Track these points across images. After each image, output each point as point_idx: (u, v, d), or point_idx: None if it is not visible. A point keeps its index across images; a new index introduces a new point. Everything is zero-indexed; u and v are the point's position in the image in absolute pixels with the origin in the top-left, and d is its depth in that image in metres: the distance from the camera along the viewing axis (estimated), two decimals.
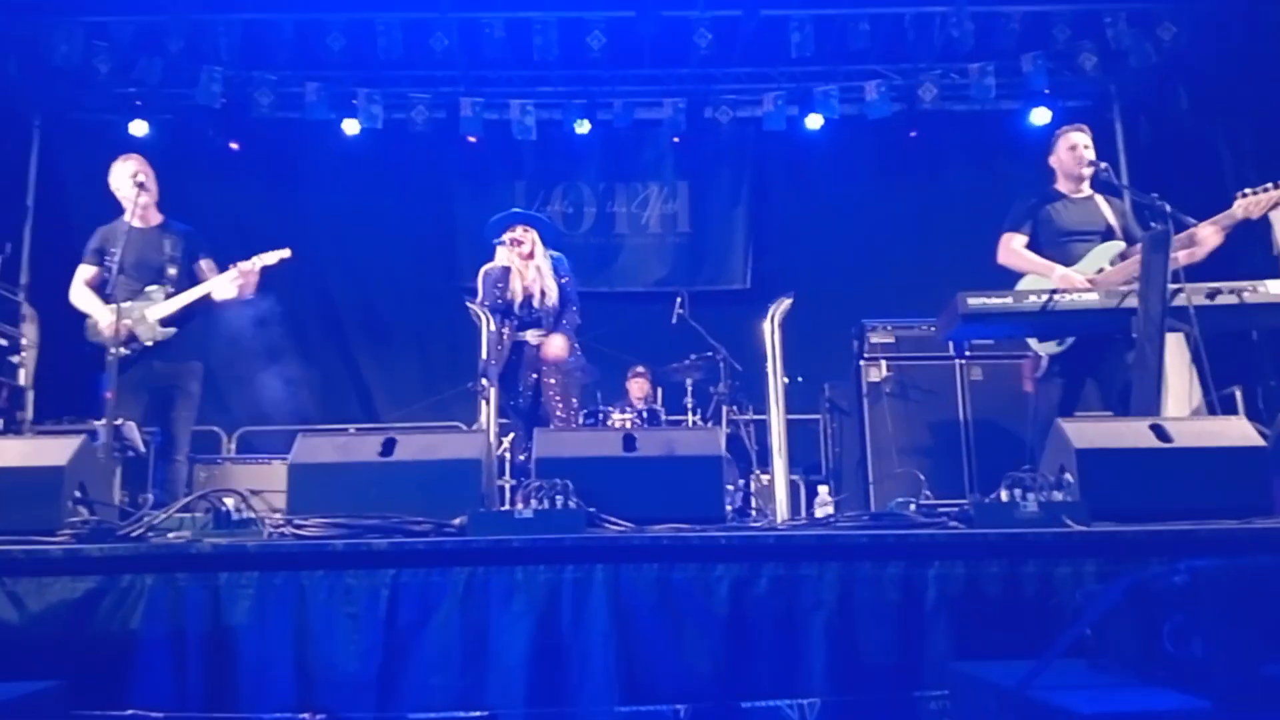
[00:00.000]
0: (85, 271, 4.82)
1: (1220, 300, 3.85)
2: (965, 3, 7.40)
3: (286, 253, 4.97)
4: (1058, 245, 4.46)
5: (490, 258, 5.13)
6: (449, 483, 2.96)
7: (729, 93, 8.33)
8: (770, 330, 5.89)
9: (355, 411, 8.28)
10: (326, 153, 8.49)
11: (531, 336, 5.02)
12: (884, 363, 5.82)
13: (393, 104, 8.17)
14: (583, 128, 8.25)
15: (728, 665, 2.61)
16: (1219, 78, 7.27)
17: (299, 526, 2.81)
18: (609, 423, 6.05)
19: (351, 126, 8.19)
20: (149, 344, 4.71)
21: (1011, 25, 7.52)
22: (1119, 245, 4.42)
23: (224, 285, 4.80)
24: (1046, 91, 8.00)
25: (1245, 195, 4.14)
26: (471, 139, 8.33)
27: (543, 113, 8.24)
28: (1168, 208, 3.77)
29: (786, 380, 5.96)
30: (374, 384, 8.60)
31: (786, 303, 5.94)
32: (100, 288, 4.77)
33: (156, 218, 4.94)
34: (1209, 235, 4.08)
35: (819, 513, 5.36)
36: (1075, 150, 4.54)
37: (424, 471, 2.99)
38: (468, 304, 4.89)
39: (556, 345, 4.97)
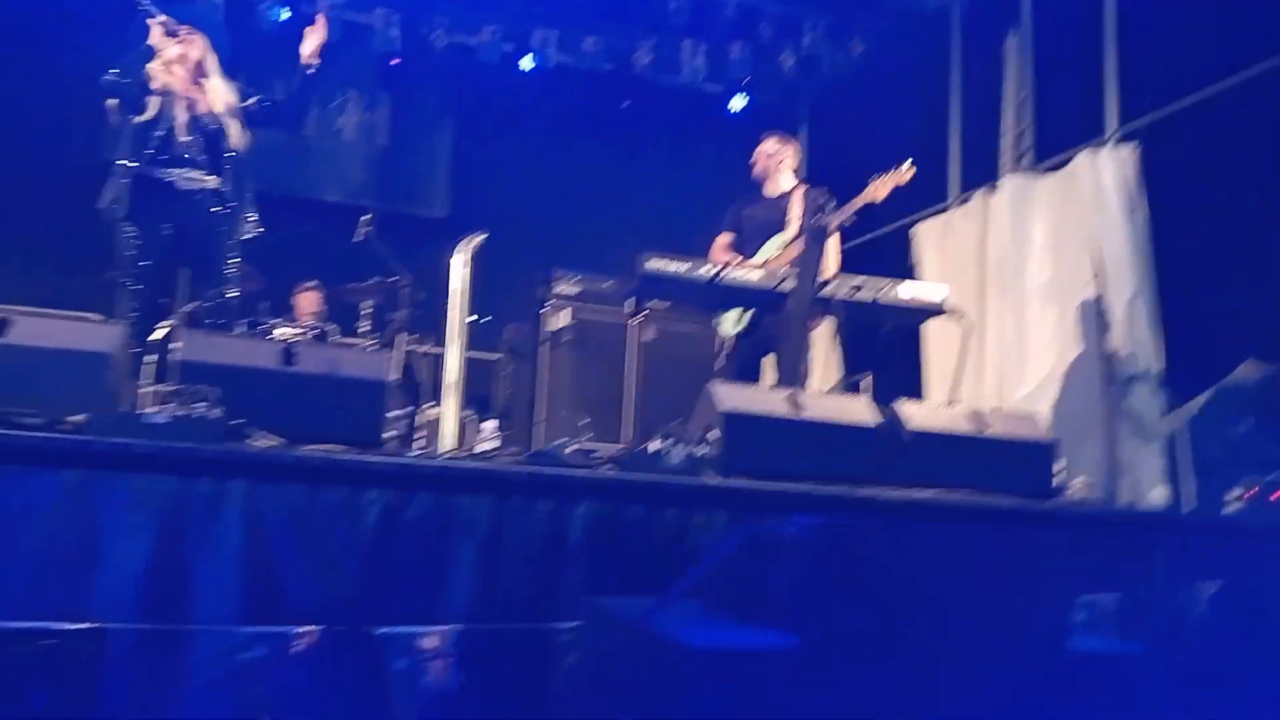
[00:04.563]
0: None
1: (860, 296, 4.31)
2: None
3: None
4: (754, 241, 4.91)
5: None
6: (71, 376, 2.63)
7: (446, 16, 8.03)
8: (461, 263, 5.81)
9: None
10: None
11: (184, 179, 3.84)
12: (566, 311, 5.94)
13: None
14: (284, 14, 7.57)
15: (370, 591, 2.56)
16: (891, 101, 8.09)
17: None
18: (270, 337, 5.67)
19: None
20: None
21: (726, 11, 7.87)
22: (787, 235, 4.82)
23: None
24: (747, 80, 8.49)
25: (875, 178, 4.69)
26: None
27: None
28: (834, 202, 4.16)
29: (471, 317, 5.92)
30: None
31: (480, 238, 5.88)
32: None
33: None
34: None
35: (480, 447, 5.39)
36: (773, 157, 5.04)
37: (41, 359, 2.64)
38: None
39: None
